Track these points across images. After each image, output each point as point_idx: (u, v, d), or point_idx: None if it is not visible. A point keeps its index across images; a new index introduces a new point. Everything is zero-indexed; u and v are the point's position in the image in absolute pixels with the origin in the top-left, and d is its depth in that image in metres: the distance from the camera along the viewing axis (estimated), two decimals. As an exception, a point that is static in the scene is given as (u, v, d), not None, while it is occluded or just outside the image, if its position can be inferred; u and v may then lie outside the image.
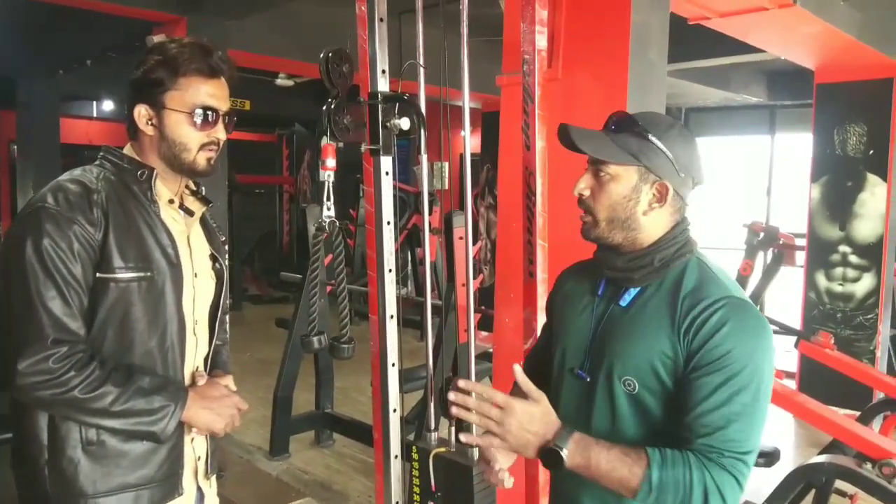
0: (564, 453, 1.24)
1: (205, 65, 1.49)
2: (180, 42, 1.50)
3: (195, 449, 1.59)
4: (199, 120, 1.48)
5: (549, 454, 1.26)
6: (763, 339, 1.26)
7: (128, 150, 1.53)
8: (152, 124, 1.49)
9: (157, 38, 1.66)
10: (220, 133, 1.52)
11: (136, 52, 1.69)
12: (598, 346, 1.38)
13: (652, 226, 1.35)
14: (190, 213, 1.59)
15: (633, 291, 1.36)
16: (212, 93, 1.50)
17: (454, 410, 1.31)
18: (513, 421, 1.27)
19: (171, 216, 1.54)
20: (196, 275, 1.58)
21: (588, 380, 1.38)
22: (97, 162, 1.53)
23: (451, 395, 1.32)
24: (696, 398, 1.23)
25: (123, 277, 1.41)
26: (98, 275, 1.39)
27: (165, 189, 1.54)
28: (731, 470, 1.20)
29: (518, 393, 1.32)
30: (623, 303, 1.37)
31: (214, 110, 1.50)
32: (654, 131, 1.32)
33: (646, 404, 1.31)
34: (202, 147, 1.50)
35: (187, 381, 1.56)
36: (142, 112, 1.48)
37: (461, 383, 1.31)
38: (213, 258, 1.64)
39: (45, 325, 1.33)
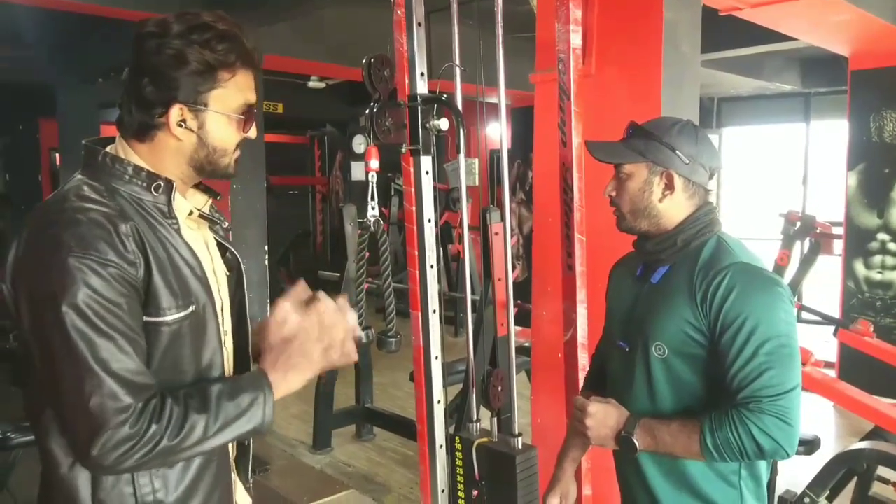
0: (635, 438, 1.46)
1: (250, 54, 1.28)
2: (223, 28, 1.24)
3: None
4: (242, 119, 1.30)
5: (623, 442, 1.48)
6: (771, 293, 1.42)
7: (132, 157, 1.27)
8: (187, 127, 1.24)
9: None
10: (253, 132, 1.34)
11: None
12: (636, 319, 1.59)
13: (672, 210, 1.55)
14: (213, 221, 1.40)
15: (662, 270, 1.57)
16: (253, 86, 1.30)
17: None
18: (590, 422, 1.53)
19: (189, 229, 1.33)
20: (220, 284, 1.37)
21: (628, 349, 1.60)
22: (83, 174, 1.25)
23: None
24: (728, 361, 1.41)
25: (173, 319, 1.22)
26: (145, 318, 1.19)
27: (185, 202, 1.32)
28: (773, 412, 1.36)
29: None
30: (654, 280, 1.57)
31: (254, 106, 1.31)
32: (657, 131, 1.54)
33: (676, 368, 1.50)
34: (236, 148, 1.32)
35: None
36: (176, 113, 1.23)
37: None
38: (222, 248, 1.42)
39: (119, 393, 1.11)
